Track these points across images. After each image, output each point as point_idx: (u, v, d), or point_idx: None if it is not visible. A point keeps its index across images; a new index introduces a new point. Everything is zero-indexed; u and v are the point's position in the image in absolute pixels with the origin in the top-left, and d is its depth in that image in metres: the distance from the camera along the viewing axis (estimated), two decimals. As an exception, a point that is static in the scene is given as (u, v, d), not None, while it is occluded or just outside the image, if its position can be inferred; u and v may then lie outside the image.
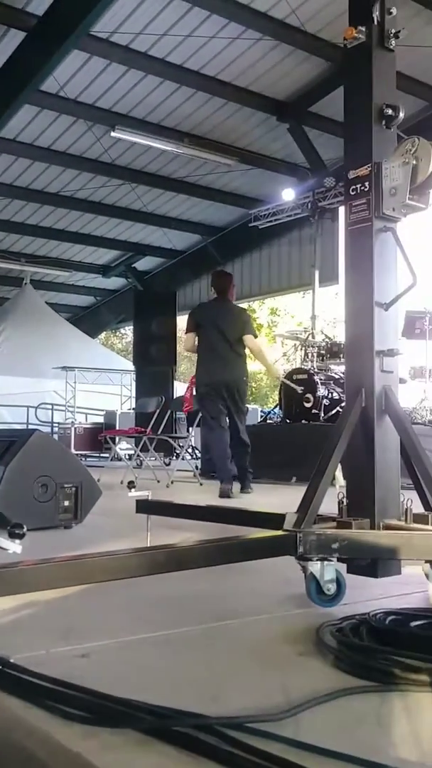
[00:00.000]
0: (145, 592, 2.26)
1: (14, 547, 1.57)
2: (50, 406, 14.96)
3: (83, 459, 10.33)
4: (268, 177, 14.08)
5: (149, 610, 2.12)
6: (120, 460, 9.28)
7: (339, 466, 2.35)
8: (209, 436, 6.64)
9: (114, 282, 19.96)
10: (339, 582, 2.09)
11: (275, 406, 9.93)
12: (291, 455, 7.35)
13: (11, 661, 1.45)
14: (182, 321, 22.87)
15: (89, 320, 21.48)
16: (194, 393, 6.80)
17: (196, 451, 10.36)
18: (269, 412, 11.70)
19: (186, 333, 6.72)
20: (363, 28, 2.46)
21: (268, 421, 10.72)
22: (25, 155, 12.87)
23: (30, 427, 9.75)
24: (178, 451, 8.85)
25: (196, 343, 6.62)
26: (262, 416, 12.69)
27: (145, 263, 18.78)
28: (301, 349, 9.89)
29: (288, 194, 13.12)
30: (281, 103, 12.15)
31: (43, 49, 9.09)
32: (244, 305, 29.49)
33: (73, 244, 17.63)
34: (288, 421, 8.76)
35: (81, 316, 21.64)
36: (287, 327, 24.32)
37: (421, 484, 2.34)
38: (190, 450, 10.38)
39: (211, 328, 6.55)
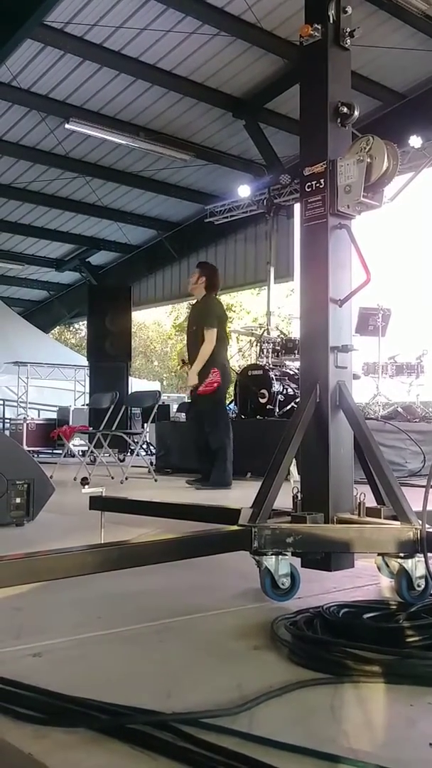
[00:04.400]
0: (98, 590, 2.24)
1: (-35, 544, 1.54)
2: (1, 402, 14.75)
3: (36, 455, 10.21)
4: (224, 173, 14.11)
5: (102, 608, 2.11)
6: (73, 456, 9.20)
7: (294, 461, 2.36)
8: (229, 435, 6.47)
9: (68, 276, 19.78)
10: (293, 576, 2.10)
11: (230, 402, 9.95)
12: (246, 450, 7.37)
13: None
14: (137, 316, 22.64)
15: (42, 315, 21.25)
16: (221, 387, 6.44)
17: (151, 447, 10.33)
18: (224, 408, 11.70)
19: (213, 328, 6.35)
20: (319, 26, 2.47)
21: (223, 416, 10.72)
22: (-24, 146, 12.66)
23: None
24: (132, 447, 8.81)
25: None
26: (217, 412, 12.69)
27: (99, 257, 18.64)
28: (257, 345, 9.94)
29: (244, 191, 13.15)
30: (237, 100, 12.18)
31: (-5, 37, 8.94)
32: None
33: (25, 237, 17.42)
34: (243, 416, 8.79)
35: (33, 310, 21.39)
36: (243, 323, 24.39)
37: (373, 478, 2.37)
38: (144, 446, 10.34)
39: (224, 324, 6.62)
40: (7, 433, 12.20)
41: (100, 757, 1.12)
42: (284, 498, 2.28)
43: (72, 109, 11.72)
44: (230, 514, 2.27)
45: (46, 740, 1.17)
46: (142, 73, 11.08)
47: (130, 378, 14.63)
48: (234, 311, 29.65)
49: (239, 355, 13.24)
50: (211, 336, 6.31)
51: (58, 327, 25.34)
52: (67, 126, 11.67)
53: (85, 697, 1.29)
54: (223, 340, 6.49)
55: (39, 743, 1.15)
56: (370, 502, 2.37)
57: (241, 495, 5.11)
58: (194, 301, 7.00)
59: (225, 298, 28.00)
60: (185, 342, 6.92)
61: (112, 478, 7.11)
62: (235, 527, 2.12)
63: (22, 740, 1.16)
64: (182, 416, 11.72)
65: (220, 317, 6.56)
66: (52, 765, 1.08)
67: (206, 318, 6.44)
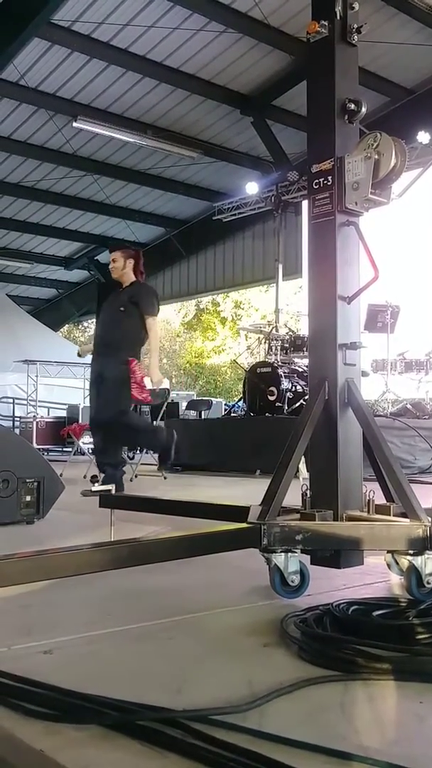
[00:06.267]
0: (108, 587, 2.25)
1: (-25, 542, 1.55)
2: (11, 400, 14.79)
3: (45, 453, 10.24)
4: (232, 170, 14.09)
5: (113, 605, 2.11)
6: (83, 454, 9.22)
7: (303, 459, 2.36)
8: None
9: (76, 274, 19.81)
10: (303, 573, 2.10)
11: (239, 400, 9.95)
12: (255, 448, 7.37)
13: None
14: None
15: (51, 313, 21.29)
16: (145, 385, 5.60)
17: (160, 445, 10.33)
18: (233, 406, 11.73)
19: (155, 317, 5.59)
20: (326, 23, 2.47)
21: (232, 414, 10.75)
22: (-16, 145, 12.69)
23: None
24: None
25: None
26: (226, 409, 12.72)
27: (107, 255, 18.67)
28: (265, 343, 9.93)
29: (251, 188, 13.14)
30: (245, 97, 12.16)
31: (1, 35, 8.96)
32: (208, 298, 29.34)
33: (34, 236, 17.46)
34: (252, 414, 8.79)
35: (42, 308, 21.44)
36: (251, 320, 24.38)
37: (382, 475, 2.37)
38: (153, 443, 10.34)
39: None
40: (17, 431, 12.23)
41: (111, 754, 1.12)
42: (293, 495, 2.28)
43: (79, 107, 11.74)
44: (239, 512, 2.27)
45: (57, 737, 1.17)
46: (149, 70, 11.08)
47: (138, 376, 14.66)
48: (242, 308, 29.66)
49: (248, 353, 13.24)
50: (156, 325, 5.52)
51: (66, 325, 25.40)
52: (74, 124, 11.69)
53: (96, 693, 1.30)
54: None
55: (50, 740, 1.16)
56: (380, 499, 2.37)
57: (250, 492, 5.11)
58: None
59: (233, 296, 27.99)
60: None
61: (122, 475, 7.12)
62: (244, 525, 2.12)
63: (34, 737, 1.17)
64: (191, 414, 11.73)
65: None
66: (63, 761, 1.09)
67: (148, 304, 5.57)
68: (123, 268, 5.81)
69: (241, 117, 12.54)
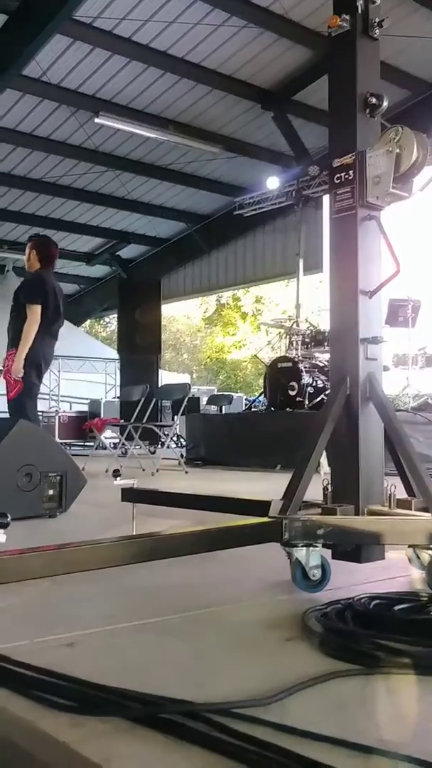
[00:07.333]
0: (130, 581, 2.27)
1: (-1, 536, 1.57)
2: (34, 395, 14.86)
3: (68, 448, 10.30)
4: (253, 165, 14.05)
5: (135, 599, 2.13)
6: (105, 448, 9.27)
7: (324, 453, 2.36)
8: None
9: (98, 270, 19.86)
10: (324, 568, 2.10)
11: (260, 394, 9.94)
12: (276, 443, 7.37)
13: (-3, 650, 1.45)
14: (167, 309, 22.73)
15: (73, 308, 21.35)
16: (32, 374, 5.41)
17: (181, 440, 10.37)
18: (254, 400, 11.72)
19: (36, 304, 5.31)
20: (347, 17, 2.46)
21: (253, 409, 10.75)
22: (7, 141, 12.76)
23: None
24: (163, 440, 8.85)
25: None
26: (246, 404, 12.71)
27: (129, 251, 18.69)
28: (286, 338, 9.91)
29: (272, 182, 13.10)
30: (266, 92, 12.12)
31: (24, 32, 8.99)
32: (228, 293, 29.30)
33: (56, 231, 17.50)
34: (273, 409, 8.78)
35: (65, 304, 21.52)
36: (272, 315, 24.33)
37: (404, 469, 2.36)
38: (175, 438, 10.39)
39: (56, 302, 5.55)
40: (39, 426, 12.31)
41: (134, 746, 1.14)
42: (314, 490, 2.29)
43: (101, 103, 11.75)
44: (260, 506, 2.28)
45: (80, 729, 1.19)
46: (170, 66, 11.07)
47: (160, 371, 14.71)
48: (263, 303, 29.61)
49: (269, 348, 13.22)
50: (34, 314, 5.28)
51: (88, 320, 25.50)
52: (96, 120, 11.71)
53: (119, 686, 1.31)
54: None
55: (74, 732, 1.17)
56: (401, 493, 2.36)
57: (270, 487, 5.11)
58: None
59: (254, 291, 27.93)
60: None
61: (143, 470, 7.16)
62: (265, 519, 2.13)
63: (57, 729, 1.18)
64: (212, 408, 11.74)
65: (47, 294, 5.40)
66: (87, 753, 1.10)
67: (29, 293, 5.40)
68: (28, 260, 5.70)
69: (262, 112, 12.49)
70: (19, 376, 5.31)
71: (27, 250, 5.73)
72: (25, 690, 1.32)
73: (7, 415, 5.28)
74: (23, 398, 5.41)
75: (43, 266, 5.62)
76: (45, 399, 14.83)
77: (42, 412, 14.25)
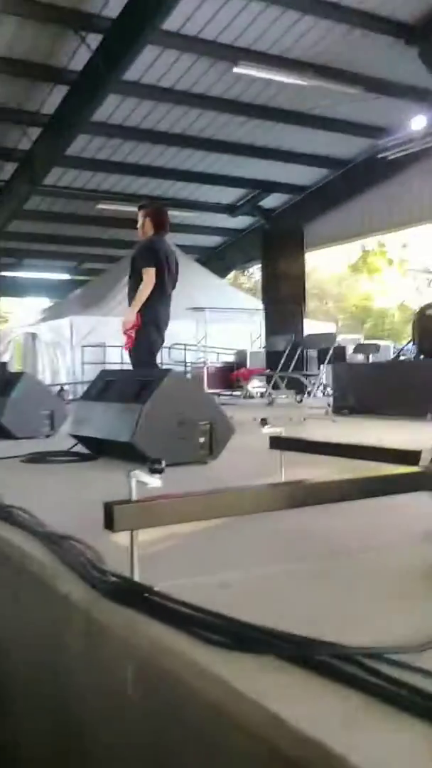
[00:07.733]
0: (278, 527, 2.30)
1: (154, 482, 1.63)
2: (183, 347, 15.27)
3: (216, 397, 10.52)
4: (396, 105, 13.46)
5: (284, 544, 2.16)
6: (252, 398, 9.39)
7: None
8: None
9: (241, 221, 19.89)
10: None
11: (408, 342, 9.66)
12: (426, 391, 7.16)
13: (155, 589, 1.52)
14: (310, 258, 22.49)
15: (217, 260, 21.58)
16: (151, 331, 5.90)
17: (328, 389, 10.31)
18: (402, 348, 11.41)
19: (150, 268, 5.86)
20: None
21: (402, 357, 10.48)
22: (149, 97, 12.93)
23: (163, 367, 10.07)
24: (309, 389, 8.83)
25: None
26: (394, 352, 12.40)
27: (271, 200, 18.55)
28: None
29: (418, 122, 12.52)
30: (410, 27, 11.49)
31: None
32: (374, 239, 28.56)
33: (199, 185, 17.67)
34: (422, 356, 8.51)
35: (209, 256, 21.75)
36: (420, 261, 23.42)
37: None
38: (321, 387, 10.33)
39: (169, 266, 6.08)
40: (188, 376, 12.65)
41: (287, 684, 1.16)
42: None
43: (239, 51, 11.61)
44: (410, 456, 2.23)
45: (234, 665, 1.23)
46: (308, 7, 10.73)
47: (304, 320, 14.62)
48: (410, 249, 28.53)
49: (417, 294, 12.78)
50: (150, 277, 5.81)
51: (233, 272, 25.68)
52: (235, 70, 11.59)
53: (271, 627, 1.34)
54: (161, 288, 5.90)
55: (228, 667, 1.22)
56: None
57: (418, 437, 4.98)
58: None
59: (400, 235, 26.90)
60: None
61: (290, 419, 7.19)
62: (416, 468, 2.09)
63: (213, 664, 1.23)
64: (359, 357, 11.56)
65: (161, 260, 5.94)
66: (241, 688, 1.14)
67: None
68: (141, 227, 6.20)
69: (406, 48, 11.87)
70: (128, 328, 5.82)
71: (140, 218, 6.16)
72: (184, 626, 1.38)
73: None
74: (144, 355, 5.82)
75: (156, 232, 6.09)
76: (193, 350, 15.17)
77: (191, 363, 14.62)
